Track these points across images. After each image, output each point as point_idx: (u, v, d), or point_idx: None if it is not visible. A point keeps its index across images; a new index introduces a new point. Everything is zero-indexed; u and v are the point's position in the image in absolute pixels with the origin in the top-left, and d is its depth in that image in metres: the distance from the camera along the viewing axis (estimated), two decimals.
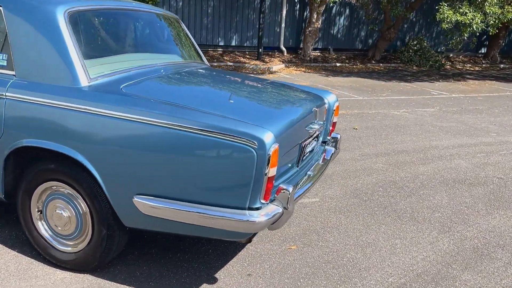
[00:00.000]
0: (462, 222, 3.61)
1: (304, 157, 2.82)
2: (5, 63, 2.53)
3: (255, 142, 2.05)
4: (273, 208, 2.21)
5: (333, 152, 3.36)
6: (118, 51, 2.97)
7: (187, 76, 3.04)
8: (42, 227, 2.62)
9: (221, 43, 13.98)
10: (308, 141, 2.78)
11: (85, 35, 2.64)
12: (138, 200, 2.23)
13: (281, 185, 2.27)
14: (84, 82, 2.39)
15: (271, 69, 12.53)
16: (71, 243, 2.56)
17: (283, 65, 13.36)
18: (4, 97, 2.45)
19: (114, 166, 2.26)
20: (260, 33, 13.29)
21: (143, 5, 3.24)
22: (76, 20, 2.55)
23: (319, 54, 15.66)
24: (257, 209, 2.15)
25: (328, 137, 3.41)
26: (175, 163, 2.17)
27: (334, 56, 15.78)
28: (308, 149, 2.86)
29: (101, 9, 2.81)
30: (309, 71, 13.01)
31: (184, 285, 2.55)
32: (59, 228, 2.56)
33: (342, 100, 8.75)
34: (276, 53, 14.81)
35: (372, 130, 6.50)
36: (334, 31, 15.75)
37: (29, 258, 2.71)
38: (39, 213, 2.60)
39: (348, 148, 5.49)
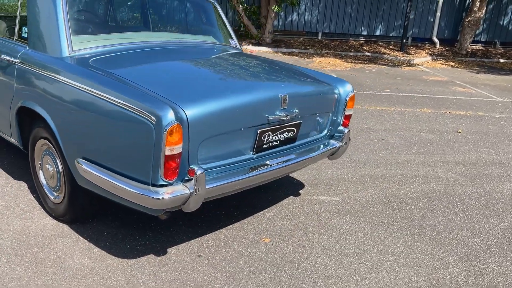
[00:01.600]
0: (500, 255, 2.92)
1: (268, 145, 2.65)
2: (26, 35, 2.98)
3: (154, 118, 2.05)
4: (179, 189, 2.18)
5: (335, 146, 3.07)
6: (117, 29, 3.21)
7: (176, 53, 3.13)
8: (42, 176, 3.04)
9: (364, 33, 13.41)
10: (271, 128, 2.61)
11: (83, 13, 2.94)
12: (77, 163, 2.44)
13: (192, 166, 2.20)
14: (65, 53, 2.68)
15: (411, 62, 11.57)
16: (55, 195, 2.93)
17: (429, 58, 12.19)
18: (15, 63, 2.90)
19: (66, 127, 2.52)
20: (405, 22, 12.34)
21: None
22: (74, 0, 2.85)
23: (480, 47, 13.81)
24: (164, 186, 2.15)
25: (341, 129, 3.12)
26: (100, 131, 2.31)
27: (500, 51, 13.70)
28: (276, 138, 2.67)
29: None
30: (459, 66, 11.60)
31: (134, 251, 2.69)
32: (49, 181, 2.95)
33: (474, 100, 7.65)
34: (427, 45, 13.56)
35: (479, 136, 5.58)
36: (504, 22, 13.64)
37: (32, 203, 3.17)
38: (39, 164, 3.02)
39: (427, 151, 4.85)
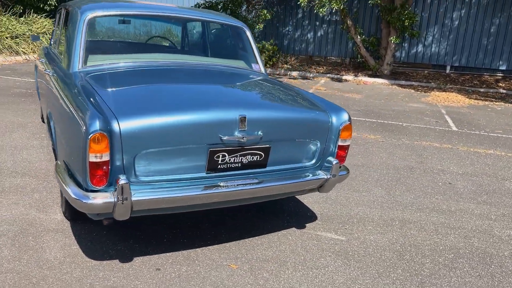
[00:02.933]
0: None
1: (225, 166, 2.60)
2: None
3: (83, 126, 2.22)
4: (106, 196, 2.28)
5: (319, 178, 2.85)
6: (131, 50, 3.48)
7: (173, 73, 3.30)
8: None
9: (502, 67, 11.91)
10: (227, 149, 2.56)
11: (100, 37, 3.30)
12: (57, 165, 2.74)
13: (119, 176, 2.29)
14: (76, 69, 3.05)
15: None
16: None
17: None
18: (51, 76, 3.40)
19: (56, 131, 2.86)
20: None
21: (178, 10, 3.66)
22: (93, 24, 3.24)
23: None
24: (94, 191, 2.29)
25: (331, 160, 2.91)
26: (65, 136, 2.59)
27: None
28: (236, 160, 2.60)
29: (121, 15, 3.39)
30: None
31: (105, 254, 2.86)
32: None
33: None
34: None
35: None
36: None
37: (57, 200, 3.60)
38: None
39: (497, 203, 4.12)
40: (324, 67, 12.58)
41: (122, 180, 2.28)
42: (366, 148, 5.62)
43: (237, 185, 2.62)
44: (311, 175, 2.89)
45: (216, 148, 2.54)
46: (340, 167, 3.03)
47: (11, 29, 11.23)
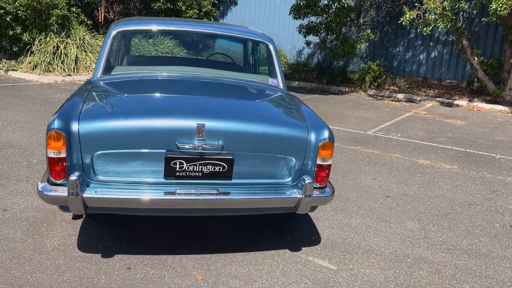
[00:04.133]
0: None
1: (185, 174, 2.62)
2: None
3: (48, 127, 2.47)
4: (63, 189, 2.49)
5: (291, 197, 2.70)
6: (148, 62, 3.69)
7: (174, 83, 3.44)
8: None
9: None
10: (184, 157, 2.59)
11: (123, 49, 3.60)
12: None
13: (73, 173, 2.47)
14: (95, 77, 3.40)
15: None
16: None
17: None
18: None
19: None
20: None
21: (202, 26, 3.78)
22: (120, 38, 3.56)
23: None
24: (57, 185, 2.52)
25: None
26: None
27: None
28: (196, 169, 2.60)
29: (146, 30, 3.64)
30: None
31: (92, 248, 3.09)
32: None
33: None
34: None
35: None
36: None
37: None
38: None
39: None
40: (436, 90, 11.63)
41: (73, 176, 2.47)
42: (432, 178, 5.06)
43: (193, 194, 2.63)
44: (282, 193, 2.75)
45: (172, 155, 2.60)
46: (323, 187, 2.84)
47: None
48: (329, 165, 2.81)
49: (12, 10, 10.80)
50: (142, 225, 3.45)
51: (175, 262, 2.98)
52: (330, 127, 2.94)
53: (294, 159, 2.77)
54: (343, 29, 11.15)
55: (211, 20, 14.26)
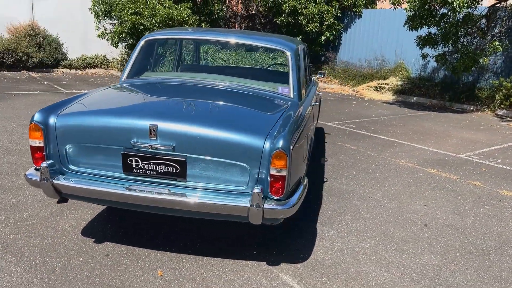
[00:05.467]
0: None
1: (140, 172, 2.75)
2: None
3: (30, 120, 2.86)
4: (38, 174, 2.84)
5: (238, 205, 2.64)
6: (169, 68, 3.89)
7: (181, 89, 3.57)
8: None
9: None
10: (139, 155, 2.71)
11: (151, 57, 3.90)
12: None
13: (44, 162, 2.79)
14: (120, 80, 3.78)
15: None
16: None
17: None
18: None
19: None
20: None
21: (224, 35, 3.83)
22: (148, 46, 3.87)
23: None
24: (37, 170, 2.90)
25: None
26: None
27: None
28: (150, 167, 2.70)
29: (174, 38, 3.86)
30: None
31: (83, 231, 3.43)
32: None
33: None
34: None
35: None
36: None
37: None
38: None
39: None
40: None
41: (44, 163, 2.80)
42: (501, 212, 4.31)
43: (145, 191, 2.74)
44: (233, 200, 2.68)
45: (128, 153, 2.75)
46: (281, 199, 2.70)
47: (258, 60, 13.33)
48: (284, 176, 2.65)
49: (150, 26, 12.31)
50: (144, 220, 3.68)
51: (149, 257, 3.13)
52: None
53: (248, 167, 2.69)
54: (464, 40, 10.04)
55: (333, 33, 14.17)
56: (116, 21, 12.52)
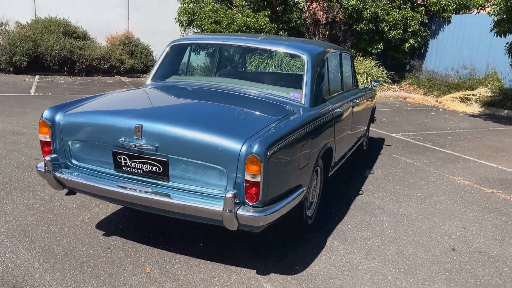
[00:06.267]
0: None
1: (129, 169, 2.85)
2: None
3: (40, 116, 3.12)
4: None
5: (211, 208, 2.61)
6: (196, 72, 3.97)
7: (195, 93, 3.68)
8: None
9: None
10: (127, 154, 2.81)
11: (175, 62, 4.03)
12: None
13: (48, 156, 3.02)
14: (146, 83, 3.96)
15: None
16: None
17: None
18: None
19: None
20: None
21: (247, 40, 3.80)
22: (175, 51, 4.01)
23: None
24: None
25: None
26: None
27: None
28: (137, 166, 2.78)
29: (196, 44, 3.94)
30: None
31: (103, 221, 3.63)
32: None
33: None
34: None
35: None
36: None
37: None
38: None
39: None
40: None
41: (47, 157, 3.02)
42: None
43: (131, 189, 2.82)
44: (209, 203, 2.65)
45: (117, 150, 2.86)
46: (258, 206, 2.62)
47: None
48: (258, 182, 2.56)
49: None
50: (159, 218, 3.79)
51: (146, 254, 3.22)
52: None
53: (226, 171, 2.64)
54: None
55: (418, 40, 13.40)
56: (198, 30, 13.13)
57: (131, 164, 2.88)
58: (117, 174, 2.96)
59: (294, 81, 3.84)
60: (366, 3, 12.91)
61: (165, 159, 2.78)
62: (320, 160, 3.47)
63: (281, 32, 13.05)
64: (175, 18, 13.08)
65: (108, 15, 14.49)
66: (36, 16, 13.97)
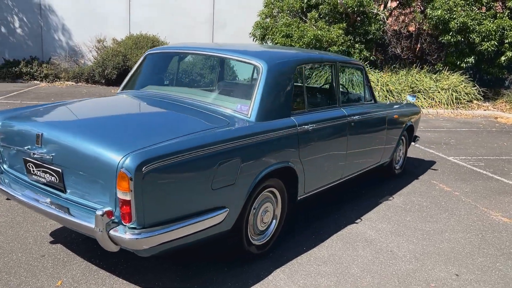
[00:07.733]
0: None
1: (36, 177, 2.82)
2: None
3: None
4: None
5: (81, 222, 2.46)
6: (163, 81, 3.83)
7: (158, 104, 3.52)
8: None
9: None
10: (33, 162, 2.77)
11: (156, 72, 3.96)
12: None
13: None
14: (118, 91, 3.96)
15: None
16: None
17: None
18: None
19: None
20: None
21: (215, 50, 3.63)
22: (148, 60, 3.95)
23: None
24: None
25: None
26: None
27: None
28: (40, 174, 2.73)
29: (170, 53, 3.84)
30: None
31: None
32: None
33: None
34: None
35: None
36: None
37: None
38: None
39: None
40: None
41: None
42: None
43: (36, 200, 2.75)
44: (87, 219, 2.46)
45: (26, 158, 2.83)
46: (134, 228, 2.36)
47: (416, 82, 11.96)
48: (129, 201, 2.29)
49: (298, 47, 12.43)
50: None
51: (72, 266, 3.13)
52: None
53: (106, 185, 2.44)
54: None
55: None
56: (270, 43, 13.08)
57: (36, 172, 2.83)
58: (30, 182, 2.94)
59: (247, 92, 3.50)
60: (454, 13, 11.68)
61: (60, 170, 2.67)
62: (272, 180, 3.15)
63: (357, 45, 12.40)
64: (250, 33, 13.20)
65: (193, 32, 15.16)
66: (130, 33, 15.19)
